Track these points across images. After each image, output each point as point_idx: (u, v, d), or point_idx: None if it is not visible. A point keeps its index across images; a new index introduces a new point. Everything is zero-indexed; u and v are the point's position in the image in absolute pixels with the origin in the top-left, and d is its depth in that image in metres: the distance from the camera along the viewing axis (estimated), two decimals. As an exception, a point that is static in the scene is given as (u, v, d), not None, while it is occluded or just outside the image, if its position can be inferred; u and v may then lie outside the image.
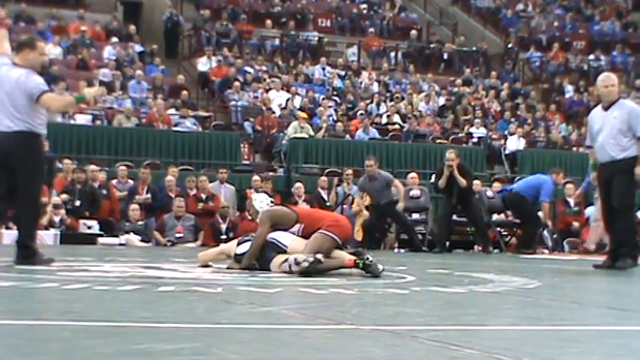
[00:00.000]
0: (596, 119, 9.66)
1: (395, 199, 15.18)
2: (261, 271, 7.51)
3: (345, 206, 16.79)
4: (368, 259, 7.34)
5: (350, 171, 17.51)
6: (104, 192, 16.00)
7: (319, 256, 7.22)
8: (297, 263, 7.19)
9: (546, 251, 15.78)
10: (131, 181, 16.50)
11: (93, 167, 16.20)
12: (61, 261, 8.58)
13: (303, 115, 21.26)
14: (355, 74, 25.36)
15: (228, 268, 7.79)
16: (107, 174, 16.71)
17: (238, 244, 7.93)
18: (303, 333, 3.87)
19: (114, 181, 16.47)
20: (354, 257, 7.43)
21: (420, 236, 15.89)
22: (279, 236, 7.66)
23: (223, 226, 15.46)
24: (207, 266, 7.98)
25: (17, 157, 7.79)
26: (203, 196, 16.30)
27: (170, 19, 26.70)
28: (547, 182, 15.72)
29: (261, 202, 8.08)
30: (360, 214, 16.19)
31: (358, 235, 16.22)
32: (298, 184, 16.99)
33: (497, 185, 17.66)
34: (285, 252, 7.55)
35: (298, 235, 7.66)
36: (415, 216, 16.29)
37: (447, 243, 15.47)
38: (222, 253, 8.10)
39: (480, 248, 15.68)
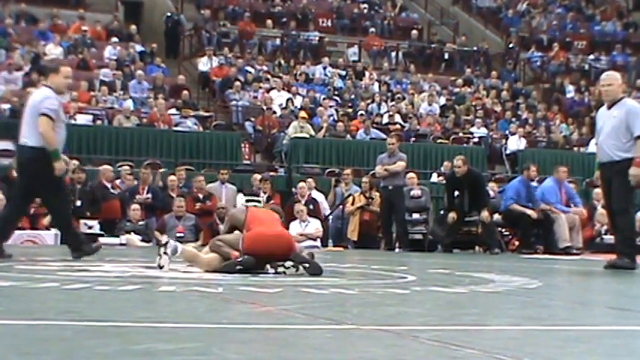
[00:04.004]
0: (600, 118, 9.51)
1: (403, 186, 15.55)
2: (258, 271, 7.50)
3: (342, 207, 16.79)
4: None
5: (349, 171, 17.49)
6: (112, 191, 16.05)
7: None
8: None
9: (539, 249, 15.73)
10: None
11: (106, 167, 16.37)
12: (61, 261, 8.59)
13: (303, 114, 21.27)
14: (357, 76, 25.35)
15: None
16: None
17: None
18: (303, 333, 3.87)
19: (124, 181, 16.52)
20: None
21: (420, 236, 15.88)
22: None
23: (222, 227, 15.42)
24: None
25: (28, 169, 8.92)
26: (200, 195, 16.28)
27: (171, 19, 26.72)
28: (510, 186, 15.80)
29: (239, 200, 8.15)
30: (355, 212, 16.20)
31: (354, 235, 16.23)
32: (302, 184, 16.95)
33: (496, 185, 17.69)
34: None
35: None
36: (415, 216, 16.27)
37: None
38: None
39: (482, 249, 15.66)
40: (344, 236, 16.52)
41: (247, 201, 8.08)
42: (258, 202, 8.17)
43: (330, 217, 16.80)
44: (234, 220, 7.84)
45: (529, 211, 15.31)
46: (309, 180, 17.19)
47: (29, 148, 8.82)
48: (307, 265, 7.32)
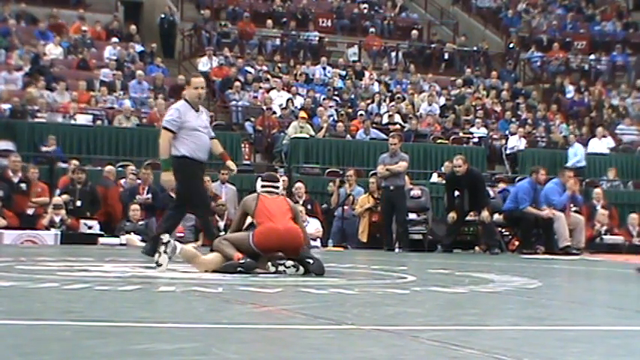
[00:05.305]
0: None
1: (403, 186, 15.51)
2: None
3: (346, 207, 16.78)
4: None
5: (351, 172, 17.49)
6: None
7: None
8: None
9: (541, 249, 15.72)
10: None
11: (132, 168, 16.39)
12: (61, 261, 8.59)
13: (303, 115, 21.26)
14: (357, 76, 25.34)
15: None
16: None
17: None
18: (303, 333, 3.87)
19: None
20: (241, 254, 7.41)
21: (420, 236, 15.89)
22: None
23: (221, 224, 15.42)
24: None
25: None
26: (207, 196, 16.33)
27: (166, 20, 26.72)
28: (520, 188, 15.79)
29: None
30: (364, 214, 16.21)
31: (363, 236, 16.23)
32: (299, 184, 16.96)
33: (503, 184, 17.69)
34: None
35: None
36: (416, 216, 16.26)
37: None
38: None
39: (482, 248, 15.65)
40: (346, 236, 16.53)
41: (263, 186, 7.89)
42: (276, 187, 7.91)
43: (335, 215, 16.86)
44: (246, 206, 7.86)
45: (543, 213, 15.30)
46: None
47: (172, 158, 9.41)
48: (312, 261, 7.34)
